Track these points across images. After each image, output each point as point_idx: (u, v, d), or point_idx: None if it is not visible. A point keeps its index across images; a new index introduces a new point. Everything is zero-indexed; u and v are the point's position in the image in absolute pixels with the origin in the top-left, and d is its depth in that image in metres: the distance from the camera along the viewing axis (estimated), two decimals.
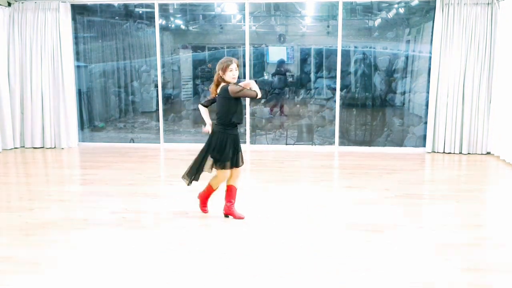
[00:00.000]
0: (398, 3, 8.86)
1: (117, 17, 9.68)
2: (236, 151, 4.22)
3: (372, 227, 4.14)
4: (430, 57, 7.53)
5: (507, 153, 6.77)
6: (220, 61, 4.13)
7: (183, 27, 10.55)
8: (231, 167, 4.23)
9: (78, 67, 8.56)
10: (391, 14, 9.45)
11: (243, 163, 4.33)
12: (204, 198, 4.49)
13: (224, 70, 4.08)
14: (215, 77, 4.17)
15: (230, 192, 4.37)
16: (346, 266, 3.35)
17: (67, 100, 7.94)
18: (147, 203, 4.92)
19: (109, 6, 9.16)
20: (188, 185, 4.31)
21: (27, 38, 7.82)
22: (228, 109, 4.10)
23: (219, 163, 4.16)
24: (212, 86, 4.22)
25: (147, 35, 9.36)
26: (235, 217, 4.37)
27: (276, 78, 9.81)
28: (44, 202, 4.96)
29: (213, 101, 4.29)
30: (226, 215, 4.41)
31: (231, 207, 4.38)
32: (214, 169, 4.24)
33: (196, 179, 4.27)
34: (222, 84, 4.12)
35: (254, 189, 5.57)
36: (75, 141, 8.19)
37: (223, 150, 4.12)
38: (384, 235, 3.96)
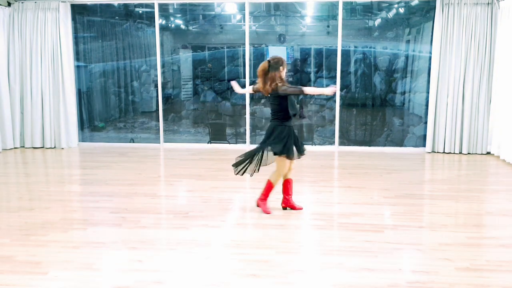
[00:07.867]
0: (398, 3, 8.86)
1: (117, 17, 9.68)
2: (297, 140, 4.42)
3: (372, 227, 4.15)
4: (430, 57, 7.53)
5: (507, 153, 6.77)
6: (279, 58, 4.25)
7: (183, 27, 10.55)
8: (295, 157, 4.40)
9: (78, 67, 8.55)
10: (391, 14, 9.45)
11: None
12: (265, 197, 4.56)
13: (284, 68, 4.28)
14: (275, 75, 4.21)
15: (289, 185, 4.58)
16: (346, 266, 3.35)
17: (67, 100, 7.94)
18: (147, 203, 4.92)
19: (109, 6, 9.16)
20: (236, 174, 4.46)
21: (27, 38, 7.81)
22: (283, 104, 4.27)
23: (285, 154, 4.31)
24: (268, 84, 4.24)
25: (147, 35, 9.36)
26: (295, 208, 4.59)
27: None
28: (44, 202, 4.96)
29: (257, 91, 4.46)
30: (285, 208, 4.61)
31: (290, 200, 4.60)
32: (273, 163, 4.45)
33: (251, 171, 4.43)
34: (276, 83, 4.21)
35: (254, 189, 5.56)
36: (75, 141, 8.18)
37: (285, 141, 4.28)
38: (384, 235, 3.96)
